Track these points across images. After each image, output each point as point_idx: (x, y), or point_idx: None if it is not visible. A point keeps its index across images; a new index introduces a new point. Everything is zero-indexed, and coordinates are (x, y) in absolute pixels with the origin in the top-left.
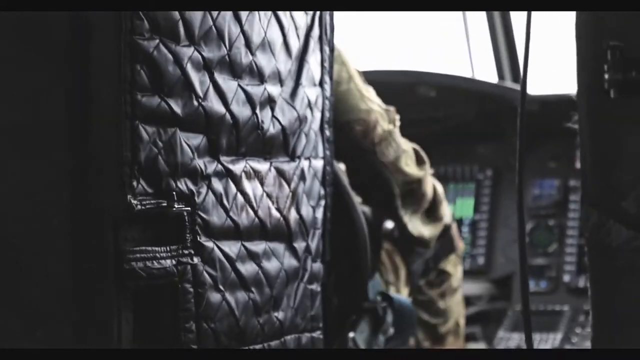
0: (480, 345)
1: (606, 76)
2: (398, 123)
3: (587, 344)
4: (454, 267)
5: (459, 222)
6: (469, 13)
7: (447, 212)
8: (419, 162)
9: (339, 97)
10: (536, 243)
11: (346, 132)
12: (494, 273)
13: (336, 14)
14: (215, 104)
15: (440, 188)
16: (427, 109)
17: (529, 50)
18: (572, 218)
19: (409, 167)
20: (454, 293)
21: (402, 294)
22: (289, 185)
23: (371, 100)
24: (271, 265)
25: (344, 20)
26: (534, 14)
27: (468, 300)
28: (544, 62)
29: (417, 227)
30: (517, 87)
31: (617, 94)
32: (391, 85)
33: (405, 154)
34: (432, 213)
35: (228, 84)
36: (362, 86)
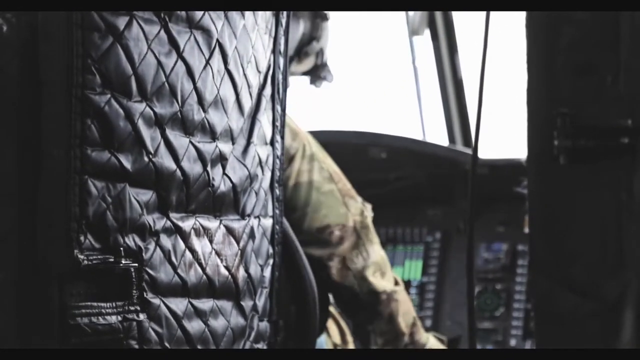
0: None
1: (556, 142)
2: (370, 215)
3: None
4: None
5: (407, 284)
6: (421, 73)
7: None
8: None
9: (320, 200)
10: (483, 307)
11: (326, 236)
12: (441, 336)
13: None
14: (166, 160)
15: (433, 340)
16: (378, 171)
17: (481, 112)
18: (520, 282)
19: (377, 277)
20: None
21: None
22: (238, 243)
23: (350, 197)
24: (218, 323)
25: (296, 79)
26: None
27: None
28: (494, 127)
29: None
30: (468, 150)
31: (566, 161)
32: (343, 145)
33: (375, 265)
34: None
35: (179, 141)
36: (340, 180)
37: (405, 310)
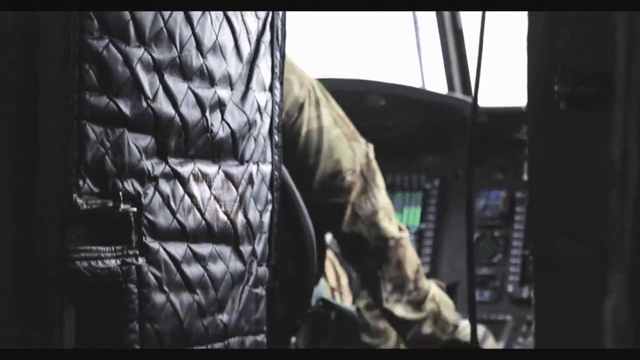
0: None
1: (556, 88)
2: (373, 156)
3: None
4: None
5: None
6: (420, 23)
7: (431, 305)
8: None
9: (331, 146)
10: (481, 253)
11: (338, 182)
12: (440, 283)
13: (289, 19)
14: (164, 106)
15: (434, 287)
16: (376, 118)
17: (482, 61)
18: (518, 229)
19: (385, 222)
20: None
21: (346, 302)
22: (236, 188)
23: (355, 140)
24: (217, 268)
25: (296, 27)
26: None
27: None
28: (493, 74)
29: (400, 311)
30: (467, 98)
31: (566, 107)
32: (341, 93)
33: (384, 209)
34: (418, 304)
35: (178, 86)
36: (344, 123)
37: (411, 256)
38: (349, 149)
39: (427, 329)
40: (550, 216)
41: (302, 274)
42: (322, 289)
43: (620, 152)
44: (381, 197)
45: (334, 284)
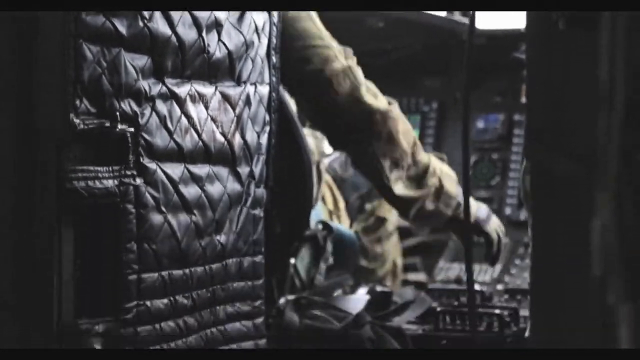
0: (420, 276)
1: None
2: (355, 60)
3: (526, 275)
4: (389, 212)
5: None
6: None
7: (432, 179)
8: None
9: (297, 33)
10: (479, 176)
11: (303, 65)
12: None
13: None
14: (160, 26)
15: (434, 160)
16: (375, 41)
17: None
18: (516, 152)
19: (368, 97)
20: (390, 237)
21: (344, 225)
22: (234, 110)
23: (330, 38)
24: (214, 188)
25: None
26: None
27: (409, 232)
28: None
29: (401, 190)
30: (466, 20)
31: (565, 26)
32: (339, 15)
33: (365, 85)
34: (419, 180)
35: None
36: (320, 26)
37: (404, 129)
38: (327, 40)
39: (429, 205)
40: (547, 135)
41: (300, 196)
42: (320, 212)
43: (606, 73)
44: (360, 73)
45: (332, 207)
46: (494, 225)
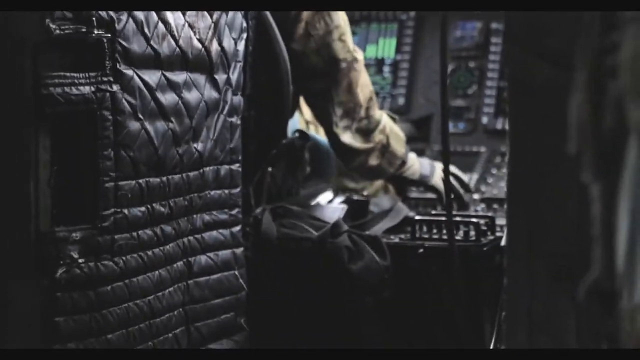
0: None
1: None
2: None
3: (502, 185)
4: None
5: (381, 62)
6: None
7: (380, 136)
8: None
9: None
10: (456, 85)
11: None
12: (413, 113)
13: None
14: None
15: (386, 118)
16: None
17: None
18: (493, 60)
19: (338, 44)
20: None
21: (320, 134)
22: (211, 16)
23: None
24: (191, 95)
25: None
26: None
27: None
28: None
29: (348, 139)
30: None
31: None
32: None
33: (339, 29)
34: (367, 133)
35: None
36: None
37: (364, 82)
38: None
39: (373, 160)
40: (527, 40)
41: (277, 104)
42: (297, 122)
43: None
44: (337, 17)
45: (309, 116)
46: (439, 177)
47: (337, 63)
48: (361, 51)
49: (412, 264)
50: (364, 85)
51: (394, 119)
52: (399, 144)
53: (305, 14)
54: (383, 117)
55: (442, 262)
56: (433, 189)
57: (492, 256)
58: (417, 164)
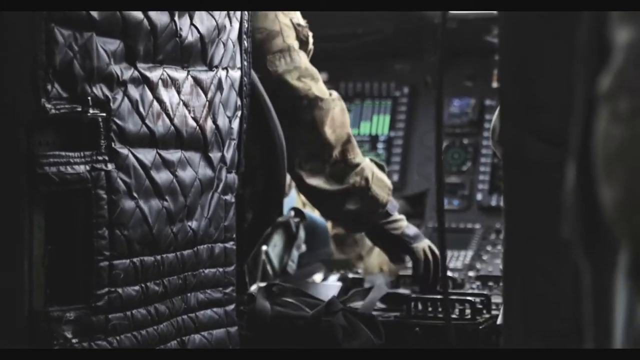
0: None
1: None
2: (311, 41)
3: (498, 262)
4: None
5: (375, 138)
6: None
7: (355, 178)
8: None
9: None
10: (450, 161)
11: (257, 35)
12: (408, 190)
13: None
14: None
15: (368, 162)
16: (346, 24)
17: None
18: (487, 137)
19: (296, 82)
20: (371, 251)
21: (316, 213)
22: (205, 94)
23: (283, 14)
24: (186, 174)
25: None
26: None
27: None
28: None
29: (316, 182)
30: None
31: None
32: None
33: (298, 70)
34: (342, 176)
35: None
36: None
37: (338, 123)
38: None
39: (351, 204)
40: (521, 118)
41: (272, 182)
42: (294, 199)
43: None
44: (299, 59)
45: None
46: (423, 245)
47: (295, 100)
48: (337, 94)
49: (408, 343)
50: (338, 126)
51: (381, 167)
52: (382, 191)
53: (266, 51)
54: (365, 162)
55: (438, 340)
56: (411, 252)
57: (489, 335)
58: (404, 223)
